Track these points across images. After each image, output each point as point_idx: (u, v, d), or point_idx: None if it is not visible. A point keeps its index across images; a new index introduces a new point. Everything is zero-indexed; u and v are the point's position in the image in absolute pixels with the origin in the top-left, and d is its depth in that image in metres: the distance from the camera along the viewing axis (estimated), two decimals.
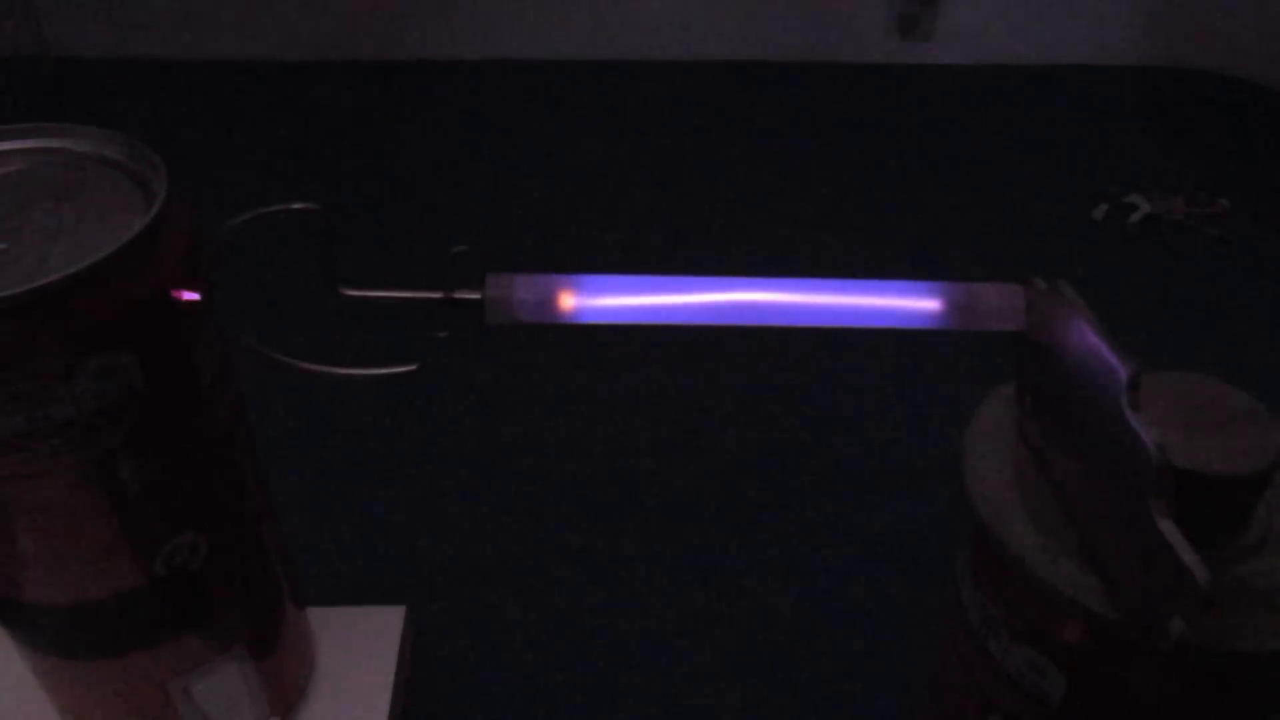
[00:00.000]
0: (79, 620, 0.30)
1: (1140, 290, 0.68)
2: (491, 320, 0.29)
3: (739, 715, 0.43)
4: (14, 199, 0.28)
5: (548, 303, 0.28)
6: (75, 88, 0.91)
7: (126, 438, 0.27)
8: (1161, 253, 0.71)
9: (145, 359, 0.27)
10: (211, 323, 0.29)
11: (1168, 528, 0.22)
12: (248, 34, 0.94)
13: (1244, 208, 0.74)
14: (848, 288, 0.29)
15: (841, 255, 0.72)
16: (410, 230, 0.72)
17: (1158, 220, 0.73)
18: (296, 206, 0.30)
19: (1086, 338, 0.25)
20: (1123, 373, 0.23)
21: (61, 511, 0.28)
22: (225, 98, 0.90)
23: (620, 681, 0.44)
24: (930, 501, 0.51)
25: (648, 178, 0.79)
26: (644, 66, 0.94)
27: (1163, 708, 0.26)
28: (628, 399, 0.59)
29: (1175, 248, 0.72)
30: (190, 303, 0.28)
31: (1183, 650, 0.24)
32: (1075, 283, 0.26)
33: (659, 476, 0.54)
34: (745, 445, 0.56)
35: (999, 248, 0.72)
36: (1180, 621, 0.22)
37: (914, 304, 0.29)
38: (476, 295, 0.28)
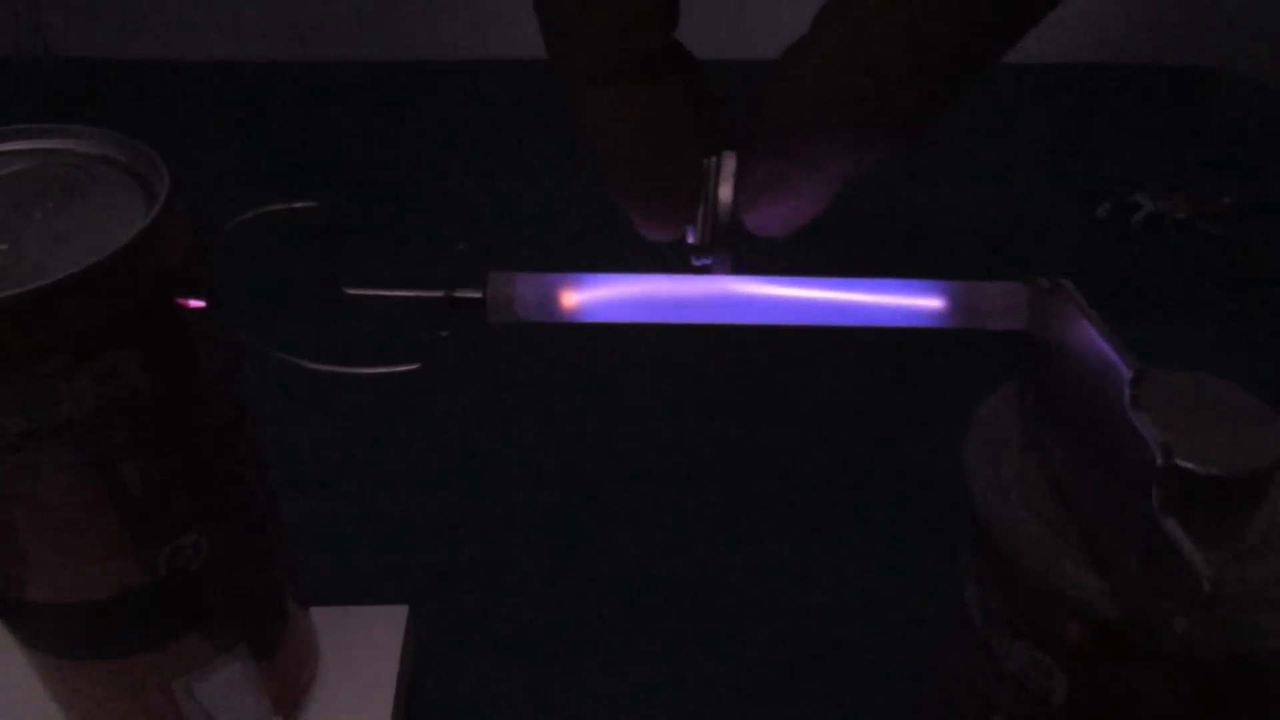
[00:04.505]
0: (81, 621, 0.30)
1: (1143, 289, 0.68)
2: (493, 319, 0.28)
3: (739, 715, 0.43)
4: (15, 199, 0.28)
5: (550, 301, 0.28)
6: (76, 88, 0.91)
7: (128, 438, 0.27)
8: (1164, 251, 0.71)
9: (147, 359, 0.27)
10: (213, 322, 0.29)
11: (1171, 527, 0.22)
12: (248, 35, 0.94)
13: (1246, 206, 0.74)
14: (848, 286, 0.28)
15: (842, 254, 0.71)
16: (411, 229, 0.72)
17: (1160, 219, 0.73)
18: (297, 205, 0.30)
19: (1089, 336, 0.25)
20: (1126, 371, 0.23)
21: (63, 512, 0.28)
22: (225, 98, 0.90)
23: (622, 681, 0.44)
24: (931, 501, 0.51)
25: None
26: None
27: (1166, 707, 0.26)
28: (630, 397, 0.59)
29: (1178, 246, 0.72)
30: (192, 303, 0.28)
31: (1186, 650, 0.24)
32: (1078, 281, 0.26)
33: (660, 475, 0.54)
34: (746, 444, 0.56)
35: (1001, 247, 0.72)
36: (1184, 621, 0.22)
37: (914, 303, 0.28)
38: (478, 294, 0.28)
